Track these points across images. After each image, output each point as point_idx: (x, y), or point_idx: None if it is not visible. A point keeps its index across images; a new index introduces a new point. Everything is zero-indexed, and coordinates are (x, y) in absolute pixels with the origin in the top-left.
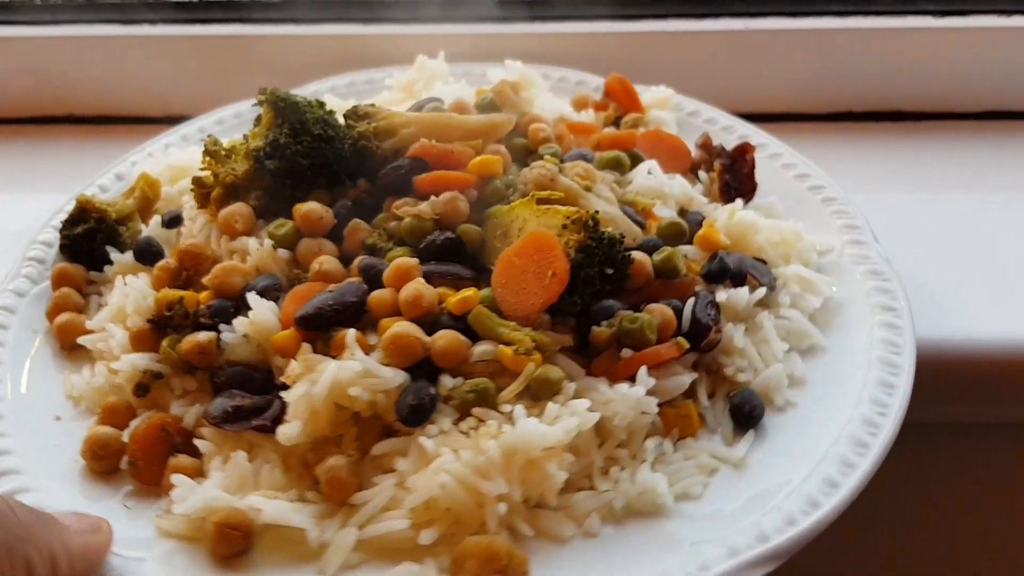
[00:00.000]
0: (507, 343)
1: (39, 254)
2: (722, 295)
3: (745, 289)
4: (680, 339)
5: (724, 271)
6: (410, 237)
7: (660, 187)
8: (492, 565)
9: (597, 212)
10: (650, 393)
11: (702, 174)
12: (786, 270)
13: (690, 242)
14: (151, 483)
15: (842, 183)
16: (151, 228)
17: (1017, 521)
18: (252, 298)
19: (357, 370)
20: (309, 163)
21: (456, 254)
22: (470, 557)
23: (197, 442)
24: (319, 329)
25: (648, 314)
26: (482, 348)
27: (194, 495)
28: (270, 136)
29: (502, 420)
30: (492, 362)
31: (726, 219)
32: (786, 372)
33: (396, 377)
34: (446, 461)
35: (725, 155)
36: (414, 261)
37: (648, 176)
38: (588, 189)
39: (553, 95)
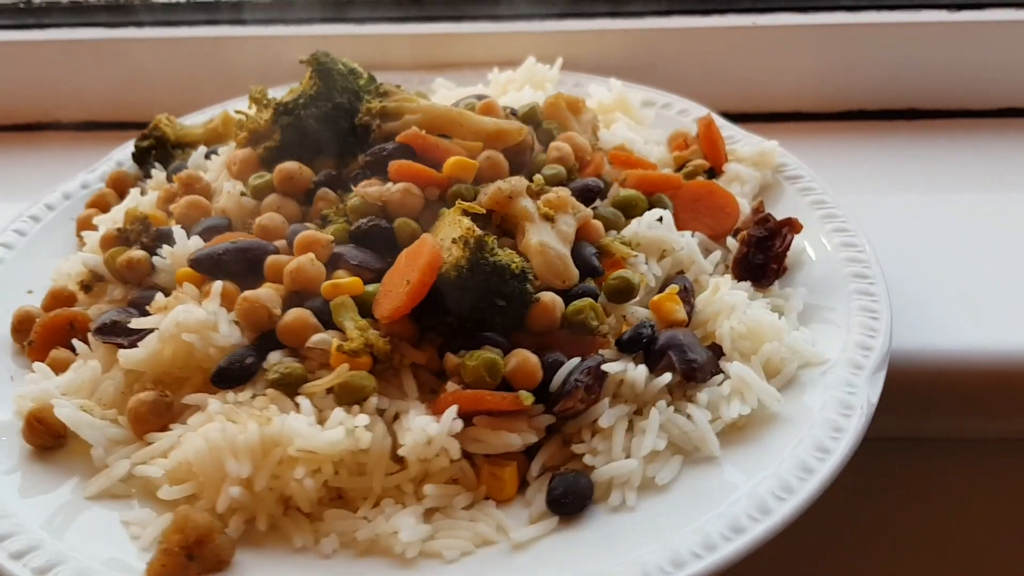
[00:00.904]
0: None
1: (122, 156)
2: (619, 367)
3: (643, 370)
4: (523, 393)
5: (636, 342)
6: (352, 216)
7: (663, 239)
8: (181, 538)
9: (487, 235)
10: (462, 438)
11: (730, 240)
12: (732, 367)
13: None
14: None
15: (853, 185)
16: (194, 156)
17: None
18: (177, 231)
19: (200, 319)
20: (321, 128)
21: (383, 243)
22: (171, 525)
23: (75, 342)
24: (207, 273)
25: (512, 358)
26: (319, 336)
27: (37, 384)
28: (298, 95)
29: (290, 409)
30: (327, 352)
31: (708, 294)
32: (647, 474)
33: (230, 337)
34: (211, 429)
35: (764, 226)
36: (326, 237)
37: (654, 225)
38: (549, 218)
39: (653, 124)
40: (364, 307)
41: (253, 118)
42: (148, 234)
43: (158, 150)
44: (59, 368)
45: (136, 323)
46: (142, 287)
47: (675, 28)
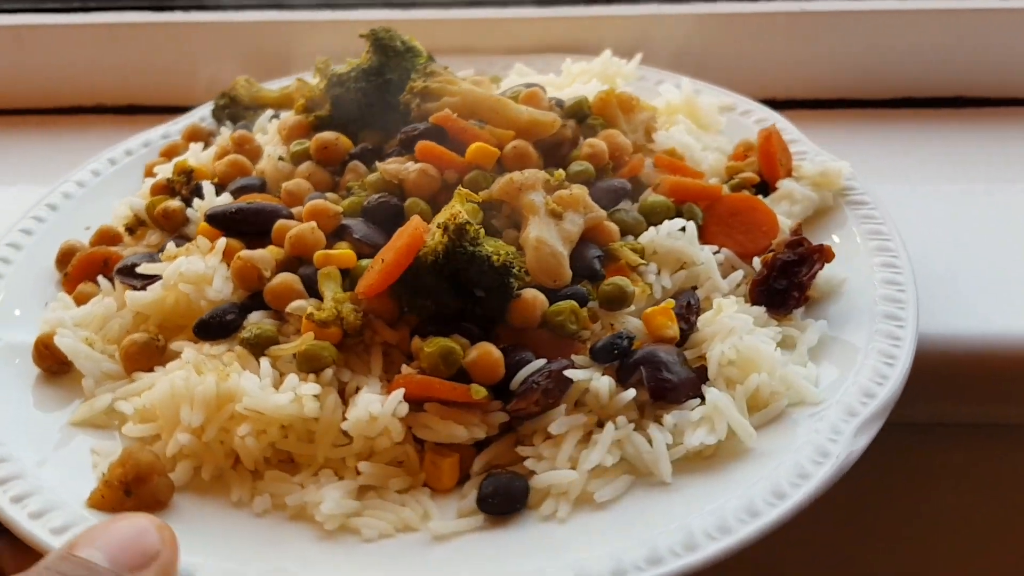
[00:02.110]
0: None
1: (205, 112)
2: (584, 375)
3: (608, 381)
4: (474, 386)
5: (607, 352)
6: (369, 191)
7: (682, 251)
8: (122, 472)
9: (468, 223)
10: (414, 423)
11: (756, 260)
12: (709, 393)
13: None
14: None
15: (901, 173)
16: (261, 118)
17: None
18: (207, 187)
19: (198, 271)
20: (367, 101)
21: (392, 220)
22: (117, 459)
23: (100, 278)
24: (221, 229)
25: (475, 350)
26: (299, 303)
27: (55, 313)
28: (352, 68)
29: (255, 368)
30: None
31: (711, 314)
32: (588, 488)
33: (222, 292)
34: (177, 376)
35: (794, 251)
36: (334, 208)
37: (675, 235)
38: (556, 214)
39: (728, 130)
40: (357, 281)
41: (312, 87)
42: (188, 186)
43: (231, 109)
44: (82, 301)
45: (143, 268)
46: (175, 236)
47: (721, 14)
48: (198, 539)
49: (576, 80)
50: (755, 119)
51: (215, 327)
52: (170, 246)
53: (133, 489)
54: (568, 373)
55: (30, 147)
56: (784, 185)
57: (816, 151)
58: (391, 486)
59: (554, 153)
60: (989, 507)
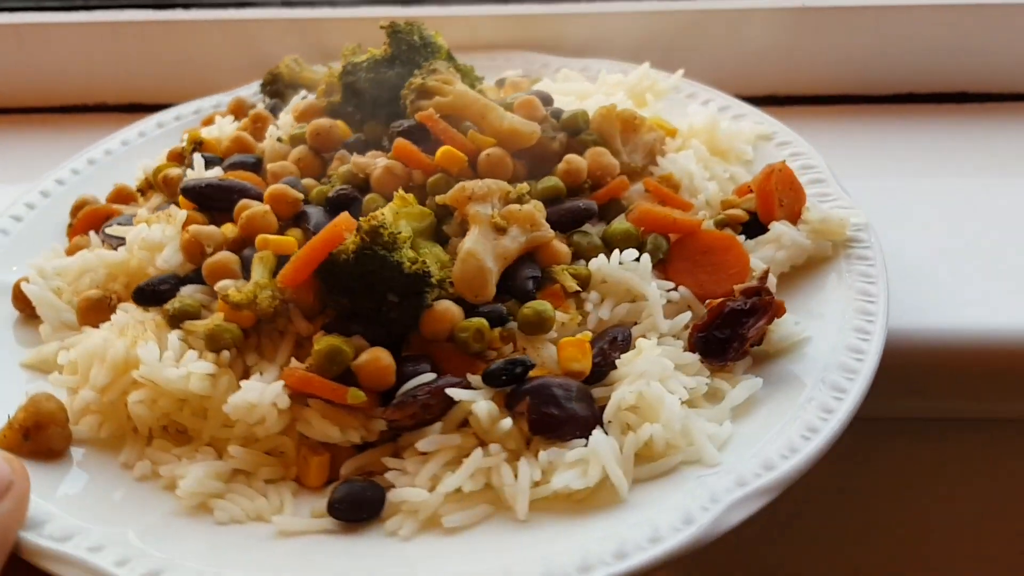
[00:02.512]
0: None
1: (249, 93)
2: (467, 395)
3: (489, 406)
4: (353, 390)
5: (496, 376)
6: (338, 182)
7: (630, 283)
8: (24, 417)
9: (382, 226)
10: (297, 416)
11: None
12: (594, 436)
13: None
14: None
15: (902, 171)
16: (295, 98)
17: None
18: (197, 159)
19: (154, 239)
20: (374, 93)
21: (351, 213)
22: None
23: (91, 234)
24: (193, 201)
25: (366, 354)
26: (225, 282)
27: (46, 261)
28: (367, 58)
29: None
30: None
31: (631, 355)
32: (440, 511)
33: (169, 261)
34: (98, 336)
35: (748, 299)
36: (295, 195)
37: (629, 266)
38: (500, 228)
39: (757, 161)
40: None
41: (333, 72)
42: (192, 156)
43: (273, 86)
44: (74, 252)
45: (111, 230)
46: (174, 201)
47: (723, 9)
48: (70, 493)
49: (608, 90)
50: (790, 152)
51: (149, 294)
52: (142, 212)
53: (31, 434)
54: (451, 392)
55: (31, 146)
56: (775, 228)
57: (840, 195)
58: (261, 474)
59: (540, 164)
60: (965, 501)
